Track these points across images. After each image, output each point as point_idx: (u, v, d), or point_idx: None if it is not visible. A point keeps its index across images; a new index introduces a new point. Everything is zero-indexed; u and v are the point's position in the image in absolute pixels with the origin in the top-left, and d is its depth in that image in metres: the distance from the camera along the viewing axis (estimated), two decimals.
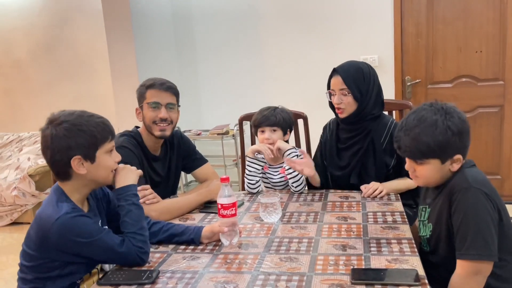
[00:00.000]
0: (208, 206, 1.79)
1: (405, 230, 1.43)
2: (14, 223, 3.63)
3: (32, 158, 3.84)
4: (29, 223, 3.53)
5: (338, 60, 2.19)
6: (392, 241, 1.35)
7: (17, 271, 1.34)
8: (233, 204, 1.39)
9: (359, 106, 1.84)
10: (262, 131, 1.96)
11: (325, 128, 2.07)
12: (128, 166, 1.41)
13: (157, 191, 1.79)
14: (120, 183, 1.36)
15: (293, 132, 2.27)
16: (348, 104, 1.85)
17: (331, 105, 1.92)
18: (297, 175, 1.90)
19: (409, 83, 3.60)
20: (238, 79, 4.02)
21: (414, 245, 1.31)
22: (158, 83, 1.85)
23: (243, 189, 2.32)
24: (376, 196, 1.78)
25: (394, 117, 2.17)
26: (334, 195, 1.85)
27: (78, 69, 3.71)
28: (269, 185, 2.06)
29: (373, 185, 1.81)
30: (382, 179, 1.87)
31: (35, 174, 3.62)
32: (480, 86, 3.47)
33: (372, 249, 1.31)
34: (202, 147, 3.12)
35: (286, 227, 1.53)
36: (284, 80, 3.89)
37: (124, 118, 3.45)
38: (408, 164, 1.35)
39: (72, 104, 3.67)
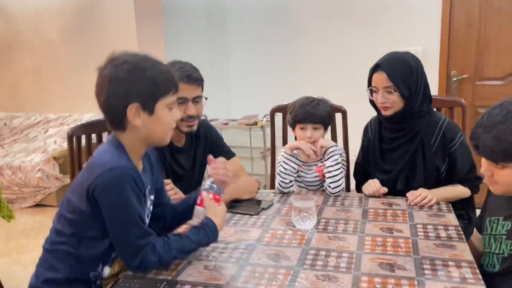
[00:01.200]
0: (234, 205, 1.63)
1: (464, 250, 1.22)
2: (37, 205, 3.61)
3: (59, 141, 3.80)
4: (52, 206, 3.52)
5: (378, 50, 1.95)
6: (449, 263, 1.15)
7: (53, 220, 1.18)
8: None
9: (407, 104, 1.63)
10: (302, 128, 1.77)
11: (365, 130, 1.86)
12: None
13: (180, 186, 1.65)
14: (210, 214, 1.24)
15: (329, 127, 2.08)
16: (394, 103, 1.63)
17: (372, 102, 1.72)
18: (337, 174, 1.71)
19: (455, 78, 3.30)
20: (271, 68, 3.81)
21: (478, 271, 1.11)
22: (184, 76, 1.61)
23: (272, 187, 2.15)
24: (424, 205, 1.57)
25: None
26: (375, 201, 1.65)
27: (106, 53, 3.61)
28: (301, 185, 1.88)
29: (421, 192, 1.60)
30: (432, 185, 1.66)
31: (59, 157, 3.58)
32: None
33: (426, 271, 1.11)
34: (228, 137, 2.96)
35: (322, 236, 1.35)
36: (320, 71, 3.66)
37: None
38: (485, 167, 1.14)
39: None
